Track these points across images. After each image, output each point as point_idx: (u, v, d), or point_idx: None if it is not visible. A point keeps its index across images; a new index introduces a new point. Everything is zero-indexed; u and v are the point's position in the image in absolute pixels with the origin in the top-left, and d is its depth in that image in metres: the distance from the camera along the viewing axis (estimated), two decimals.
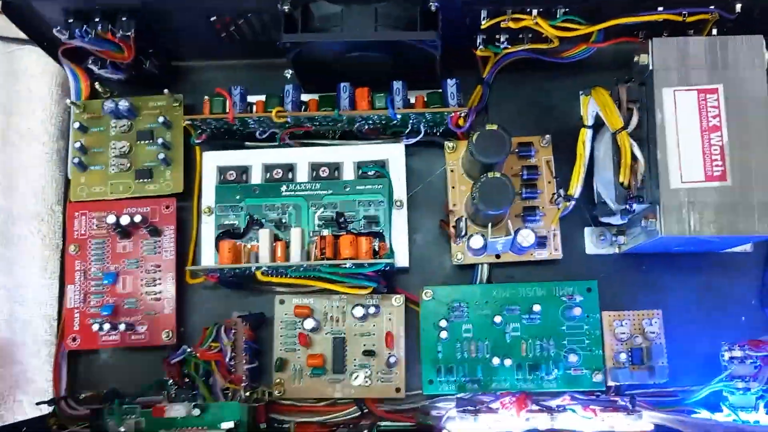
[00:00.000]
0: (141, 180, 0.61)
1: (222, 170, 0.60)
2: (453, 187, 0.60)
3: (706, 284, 0.60)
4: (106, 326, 0.58)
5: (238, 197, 0.59)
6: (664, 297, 0.59)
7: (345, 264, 0.53)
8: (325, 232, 0.57)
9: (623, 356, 0.56)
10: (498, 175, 0.52)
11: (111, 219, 0.58)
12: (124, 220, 0.58)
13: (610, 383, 0.57)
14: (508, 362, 0.57)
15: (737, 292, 0.60)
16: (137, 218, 0.59)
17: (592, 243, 0.61)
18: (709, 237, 0.50)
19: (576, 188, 0.58)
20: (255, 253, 0.54)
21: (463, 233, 0.58)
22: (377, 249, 0.56)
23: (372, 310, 0.57)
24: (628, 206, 0.53)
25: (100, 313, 0.58)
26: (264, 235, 0.54)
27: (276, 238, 0.56)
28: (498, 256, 0.59)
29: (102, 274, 0.59)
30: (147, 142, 0.61)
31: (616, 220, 0.57)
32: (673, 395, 0.56)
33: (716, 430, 0.49)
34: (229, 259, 0.54)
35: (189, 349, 0.56)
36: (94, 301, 0.59)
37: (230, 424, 0.52)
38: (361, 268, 0.53)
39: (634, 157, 0.52)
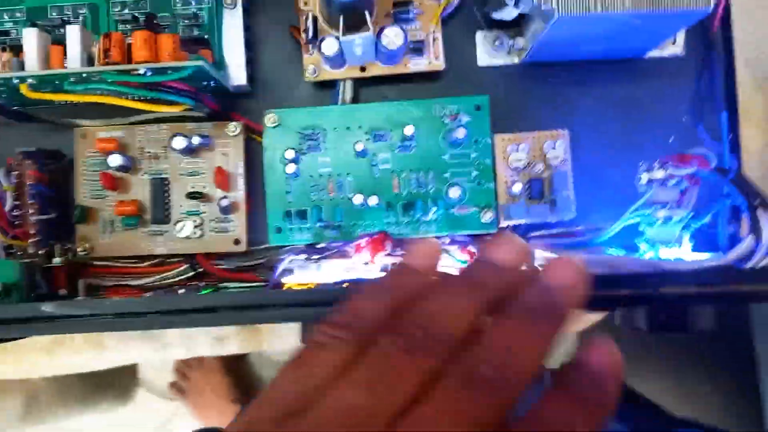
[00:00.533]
0: None
1: None
2: None
3: (626, 98, 0.47)
4: None
5: None
6: (572, 116, 0.47)
7: (138, 70, 0.39)
8: None
9: (517, 187, 0.44)
10: None
11: None
12: None
13: (504, 223, 0.45)
14: (373, 200, 0.44)
15: (664, 107, 0.47)
16: None
17: (486, 52, 0.47)
18: (623, 17, 0.38)
19: None
20: (20, 61, 0.40)
21: (312, 36, 0.44)
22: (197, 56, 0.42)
23: (197, 141, 0.44)
24: None
25: None
26: (30, 35, 0.40)
27: (58, 44, 0.42)
28: (363, 69, 0.46)
29: None
30: None
31: (509, 13, 0.44)
32: (580, 234, 0.45)
33: (623, 266, 0.38)
34: None
35: None
36: None
37: None
38: (161, 75, 0.39)
39: None
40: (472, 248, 0.40)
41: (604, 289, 0.35)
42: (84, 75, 0.39)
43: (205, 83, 0.42)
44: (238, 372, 1.21)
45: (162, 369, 1.13)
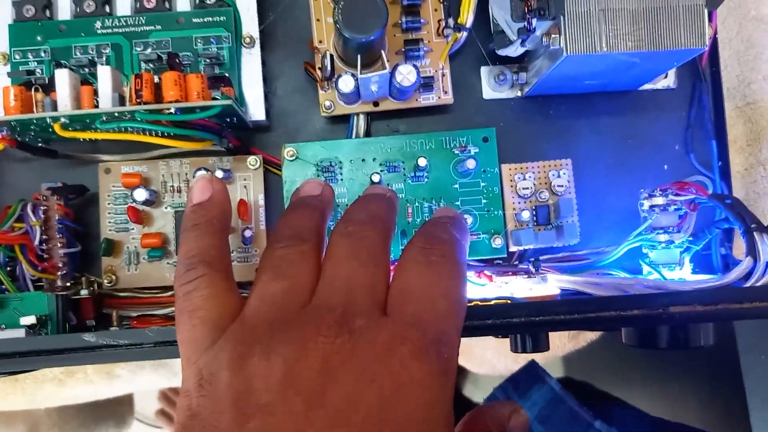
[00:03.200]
0: None
1: (17, 5, 0.46)
2: (318, 20, 0.48)
3: (623, 128, 0.50)
4: None
5: (39, 38, 0.46)
6: (574, 145, 0.50)
7: (169, 109, 0.40)
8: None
9: (526, 214, 0.47)
10: None
11: None
12: None
13: (513, 248, 0.47)
14: None
15: (658, 136, 0.50)
16: None
17: (490, 86, 0.50)
18: (624, 56, 0.40)
19: (468, 15, 0.47)
20: (53, 100, 0.42)
21: (329, 74, 0.46)
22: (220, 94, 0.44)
23: (219, 174, 0.46)
24: (526, 24, 0.43)
25: None
26: (62, 76, 0.41)
27: (87, 83, 0.43)
28: (376, 104, 0.48)
29: None
30: None
31: (515, 50, 0.46)
32: (585, 258, 0.47)
33: (633, 288, 0.40)
34: (17, 109, 0.41)
35: None
36: None
37: (31, 319, 0.40)
38: (190, 114, 0.41)
39: None
40: (488, 272, 0.42)
41: (615, 310, 0.38)
42: (116, 114, 0.40)
43: (228, 119, 0.44)
44: None
45: (151, 397, 1.13)
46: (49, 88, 0.43)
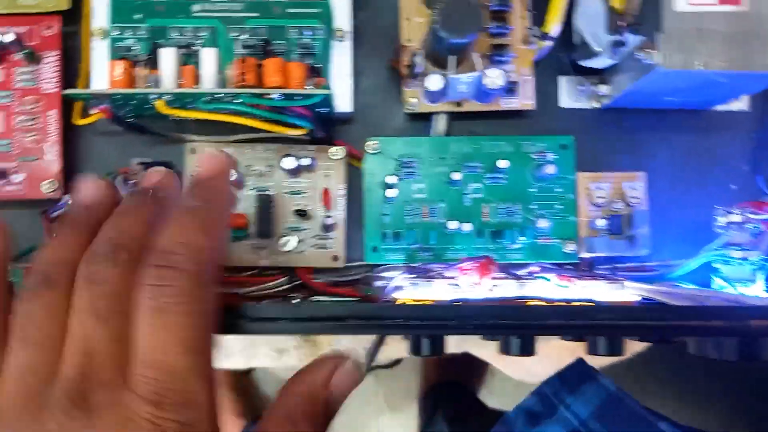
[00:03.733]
0: None
1: None
2: (407, 19, 0.49)
3: (694, 145, 0.51)
4: None
5: (138, 17, 0.47)
6: (647, 159, 0.51)
7: (271, 95, 0.41)
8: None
9: (601, 222, 0.48)
10: None
11: None
12: None
13: (584, 255, 0.48)
14: (467, 227, 0.48)
15: (728, 156, 0.51)
16: (8, 37, 0.46)
17: (568, 95, 0.51)
18: (716, 74, 0.42)
19: (554, 25, 0.48)
20: (156, 77, 0.43)
21: (417, 72, 0.47)
22: (313, 84, 0.45)
23: (306, 162, 0.47)
24: (620, 38, 0.44)
25: None
26: (168, 54, 0.42)
27: (185, 63, 0.44)
28: (459, 104, 0.49)
29: None
30: None
31: (600, 62, 0.47)
32: (654, 269, 0.48)
33: (709, 301, 0.41)
34: (123, 83, 0.42)
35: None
36: None
37: None
38: (290, 100, 0.42)
39: None
40: (568, 274, 0.43)
41: (695, 320, 0.39)
42: (218, 95, 0.41)
43: (318, 109, 0.45)
44: (243, 388, 1.22)
45: None
46: (146, 65, 0.45)
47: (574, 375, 0.55)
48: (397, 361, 1.23)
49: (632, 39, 0.44)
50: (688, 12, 0.41)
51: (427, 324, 0.36)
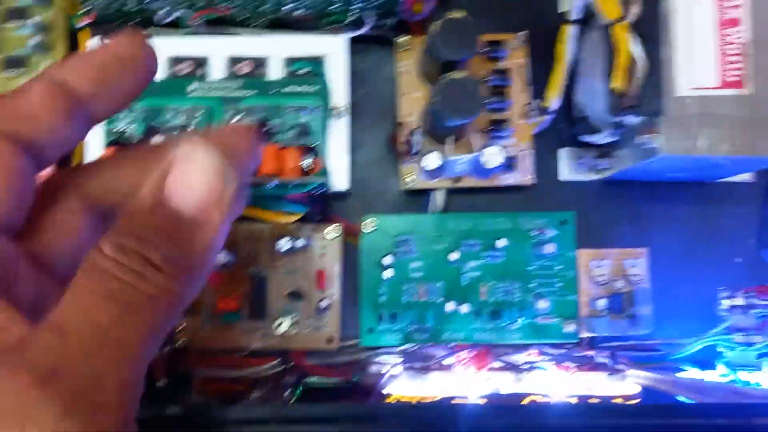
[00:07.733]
0: (11, 71, 0.47)
1: None
2: (404, 94, 0.48)
3: (698, 219, 0.50)
4: None
5: None
6: (649, 232, 0.50)
7: (269, 183, 0.41)
8: None
9: (602, 302, 0.47)
10: (465, 74, 0.41)
11: None
12: None
13: (584, 334, 0.47)
14: (464, 308, 0.47)
15: (733, 228, 0.50)
16: None
17: (568, 168, 0.50)
18: (720, 158, 0.41)
19: (554, 99, 0.47)
20: None
21: (415, 150, 0.47)
22: (309, 166, 0.44)
23: (300, 243, 0.46)
24: (621, 119, 0.43)
25: None
26: (160, 140, 0.42)
27: None
28: (457, 180, 0.48)
29: None
30: (17, 23, 0.48)
31: (600, 138, 0.47)
32: (656, 349, 0.47)
33: (716, 393, 0.40)
34: None
35: None
36: None
37: None
38: (285, 188, 0.41)
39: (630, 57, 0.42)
40: (568, 364, 0.42)
41: (699, 418, 0.38)
42: None
43: (314, 191, 0.45)
44: None
45: None
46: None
47: None
48: None
49: (634, 121, 0.43)
50: (689, 96, 0.41)
51: (421, 429, 0.35)
